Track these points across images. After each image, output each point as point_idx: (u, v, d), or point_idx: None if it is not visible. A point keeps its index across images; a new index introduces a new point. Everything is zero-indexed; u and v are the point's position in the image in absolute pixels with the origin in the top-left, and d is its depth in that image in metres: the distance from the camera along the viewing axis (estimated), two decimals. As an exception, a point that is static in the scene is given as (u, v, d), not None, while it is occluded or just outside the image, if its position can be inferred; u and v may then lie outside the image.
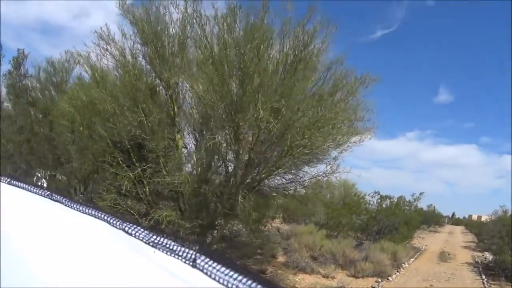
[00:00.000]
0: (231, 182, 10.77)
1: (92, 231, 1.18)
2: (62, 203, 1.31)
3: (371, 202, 29.50)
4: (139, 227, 1.11)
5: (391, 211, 27.91)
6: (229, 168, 10.99)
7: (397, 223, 27.47)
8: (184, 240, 1.01)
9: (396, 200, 29.78)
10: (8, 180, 1.45)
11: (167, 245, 1.02)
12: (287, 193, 12.30)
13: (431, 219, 67.62)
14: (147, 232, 1.09)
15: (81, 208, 1.27)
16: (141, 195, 10.51)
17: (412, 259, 25.41)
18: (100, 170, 11.29)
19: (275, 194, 12.36)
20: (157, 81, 10.78)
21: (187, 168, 10.93)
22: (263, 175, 10.63)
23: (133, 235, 1.10)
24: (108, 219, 1.19)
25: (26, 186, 1.41)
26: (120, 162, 10.25)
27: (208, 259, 0.92)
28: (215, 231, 12.16)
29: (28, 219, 1.31)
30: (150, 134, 9.95)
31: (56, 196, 1.34)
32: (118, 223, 1.16)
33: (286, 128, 9.27)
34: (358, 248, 22.14)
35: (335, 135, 10.02)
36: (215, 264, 0.90)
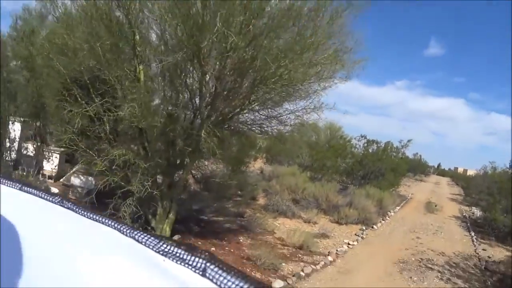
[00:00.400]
0: (197, 117, 9.75)
1: (103, 239, 1.17)
2: (73, 210, 1.30)
3: (357, 146, 28.38)
4: (149, 236, 1.09)
5: (377, 156, 26.85)
6: (196, 101, 9.81)
7: (383, 169, 26.36)
8: (195, 249, 0.99)
9: (383, 146, 28.50)
10: (20, 186, 1.41)
11: (177, 254, 1.00)
12: (262, 130, 10.97)
13: (417, 168, 67.46)
14: (158, 241, 1.07)
15: (92, 216, 1.25)
16: (101, 134, 9.55)
17: (398, 207, 24.58)
18: (57, 108, 10.04)
19: (253, 131, 11.03)
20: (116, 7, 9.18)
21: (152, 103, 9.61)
22: (233, 109, 9.41)
23: (143, 243, 1.08)
24: (119, 227, 1.17)
25: (38, 193, 1.37)
26: (79, 98, 9.18)
27: (218, 269, 0.91)
28: (182, 171, 10.84)
29: (40, 226, 1.27)
30: (105, 64, 8.77)
31: (67, 203, 1.32)
32: (128, 231, 1.14)
33: (257, 52, 7.87)
34: (342, 193, 21.13)
35: (317, 65, 8.65)
36: (225, 274, 0.89)
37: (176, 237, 10.35)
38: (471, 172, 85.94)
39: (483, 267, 14.03)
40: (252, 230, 13.39)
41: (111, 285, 1.00)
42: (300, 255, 11.87)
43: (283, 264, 10.65)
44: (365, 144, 27.99)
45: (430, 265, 13.23)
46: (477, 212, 27.09)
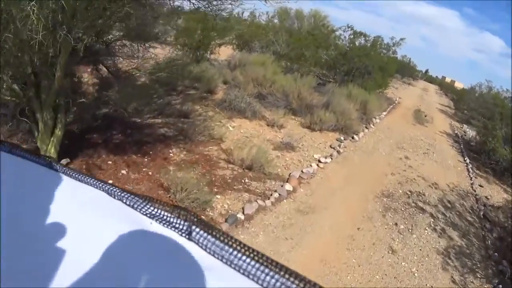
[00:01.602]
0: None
1: (91, 200, 1.16)
2: (62, 172, 1.26)
3: (343, 38, 24.31)
4: (137, 198, 1.09)
5: (365, 51, 22.66)
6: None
7: (370, 67, 22.36)
8: (181, 212, 0.99)
9: (372, 40, 24.40)
10: (9, 148, 1.36)
11: (164, 217, 1.01)
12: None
13: (406, 71, 64.39)
14: (145, 203, 1.06)
15: (80, 177, 1.23)
16: None
17: (384, 113, 21.09)
18: None
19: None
20: None
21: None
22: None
23: (131, 206, 1.08)
24: (107, 188, 1.15)
25: (26, 155, 1.32)
26: None
27: (203, 232, 0.92)
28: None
29: (28, 189, 1.24)
30: None
31: (55, 165, 1.27)
32: (117, 193, 1.12)
33: None
34: (320, 90, 17.52)
35: None
36: (209, 237, 0.91)
37: (64, 161, 7.36)
38: (458, 84, 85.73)
39: (481, 213, 11.01)
40: (192, 139, 9.80)
41: (99, 247, 0.99)
42: (247, 180, 8.48)
43: (217, 197, 7.30)
44: (351, 36, 23.79)
45: (421, 204, 10.16)
46: (470, 132, 24.25)
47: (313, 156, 10.94)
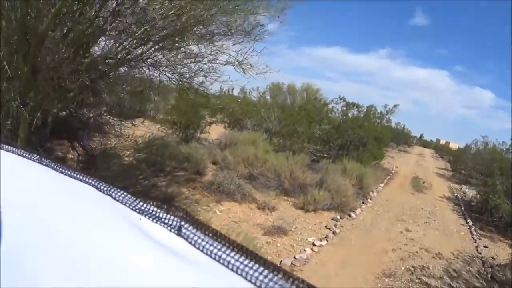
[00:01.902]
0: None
1: (81, 195, 1.14)
2: (51, 167, 1.26)
3: (335, 110, 23.81)
4: (126, 193, 1.08)
5: (358, 122, 22.23)
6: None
7: (365, 138, 21.86)
8: (170, 207, 0.98)
9: (365, 111, 23.96)
10: None
11: (153, 213, 1.00)
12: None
13: (401, 138, 64.10)
14: (134, 199, 1.05)
15: (69, 173, 1.23)
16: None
17: (381, 185, 20.49)
18: None
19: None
20: None
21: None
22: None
23: (120, 201, 1.07)
24: (96, 184, 1.15)
25: (16, 150, 1.35)
26: None
27: (192, 228, 0.91)
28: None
29: (17, 184, 1.23)
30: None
31: (45, 160, 1.29)
32: (106, 188, 1.12)
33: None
34: (313, 167, 16.98)
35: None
36: (199, 233, 0.89)
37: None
38: (453, 145, 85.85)
39: (489, 276, 10.42)
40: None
41: (88, 243, 0.98)
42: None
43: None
44: (344, 108, 23.27)
45: (425, 279, 9.44)
46: (469, 192, 23.58)
47: (306, 239, 10.28)
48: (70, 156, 10.30)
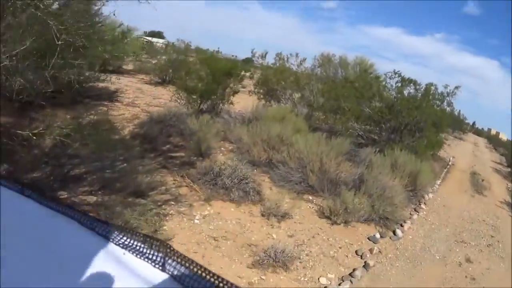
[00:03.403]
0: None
1: (63, 230, 1.12)
2: (33, 199, 1.24)
3: (389, 86, 18.06)
4: (109, 228, 1.06)
5: (415, 103, 16.67)
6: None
7: (422, 122, 16.78)
8: (154, 242, 0.96)
9: (424, 89, 18.42)
10: None
11: (137, 247, 0.98)
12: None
13: (456, 124, 57.86)
14: (118, 233, 1.04)
15: (52, 206, 1.19)
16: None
17: (438, 182, 15.78)
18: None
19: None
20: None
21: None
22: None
23: (103, 236, 1.05)
24: (79, 218, 1.12)
25: None
26: None
27: (176, 264, 0.90)
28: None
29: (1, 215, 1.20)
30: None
31: (28, 191, 1.26)
32: (89, 223, 1.10)
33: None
34: (355, 155, 12.59)
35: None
36: (183, 268, 0.88)
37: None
38: (502, 136, 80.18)
39: None
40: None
41: (70, 278, 0.95)
42: None
43: None
44: (399, 84, 17.64)
45: None
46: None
47: (318, 279, 6.21)
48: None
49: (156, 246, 0.93)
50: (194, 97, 13.25)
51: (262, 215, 7.76)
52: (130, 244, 0.97)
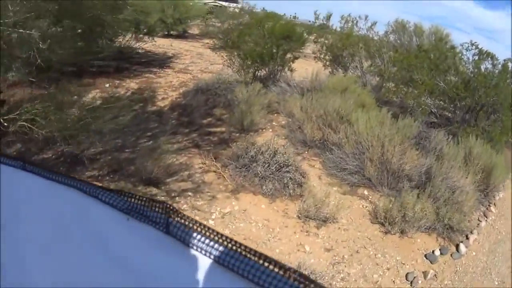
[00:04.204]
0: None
1: (66, 200, 1.08)
2: (34, 172, 1.19)
3: (465, 59, 14.79)
4: (112, 194, 1.01)
5: (493, 81, 13.55)
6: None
7: (499, 104, 14.12)
8: (157, 204, 0.92)
9: (502, 65, 15.29)
10: None
11: (140, 212, 0.95)
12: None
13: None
14: (120, 199, 1.00)
15: (53, 177, 1.14)
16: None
17: (510, 176, 13.37)
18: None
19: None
20: None
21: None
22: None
23: (106, 202, 1.01)
24: (81, 186, 1.07)
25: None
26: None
27: (180, 225, 0.87)
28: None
29: (2, 191, 1.19)
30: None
31: (29, 166, 1.20)
32: (92, 191, 1.05)
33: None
34: (424, 138, 10.48)
35: None
36: (187, 229, 0.86)
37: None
38: None
39: None
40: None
41: (75, 248, 0.94)
42: None
43: None
44: (476, 57, 14.45)
45: None
46: None
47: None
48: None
49: (160, 209, 0.87)
50: (249, 62, 11.66)
51: (298, 217, 6.25)
52: (134, 209, 0.91)
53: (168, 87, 11.03)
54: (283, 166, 7.01)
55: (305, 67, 14.06)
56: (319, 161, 8.43)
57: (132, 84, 10.30)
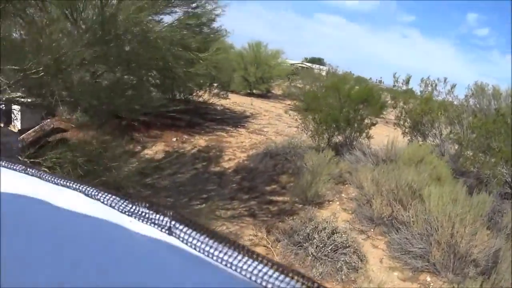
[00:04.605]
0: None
1: (68, 202, 1.02)
2: (37, 176, 1.12)
3: None
4: (114, 196, 0.97)
5: None
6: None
7: None
8: (159, 207, 0.88)
9: None
10: None
11: (143, 214, 0.91)
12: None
13: None
14: (123, 201, 0.95)
15: (56, 180, 1.09)
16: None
17: None
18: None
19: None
20: None
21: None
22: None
23: (109, 205, 0.97)
24: (84, 189, 1.03)
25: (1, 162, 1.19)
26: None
27: (183, 227, 0.82)
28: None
29: (4, 196, 1.07)
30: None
31: (31, 170, 1.13)
32: (94, 193, 1.01)
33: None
34: (498, 214, 9.29)
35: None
36: (190, 231, 0.80)
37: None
38: None
39: None
40: None
41: (78, 249, 0.90)
42: None
43: None
44: None
45: None
46: None
47: None
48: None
49: (162, 211, 0.83)
50: (323, 127, 11.31)
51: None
52: (136, 211, 0.87)
53: (237, 147, 10.93)
54: (340, 248, 6.53)
55: (386, 134, 13.45)
56: (384, 241, 7.89)
57: (200, 141, 10.33)
